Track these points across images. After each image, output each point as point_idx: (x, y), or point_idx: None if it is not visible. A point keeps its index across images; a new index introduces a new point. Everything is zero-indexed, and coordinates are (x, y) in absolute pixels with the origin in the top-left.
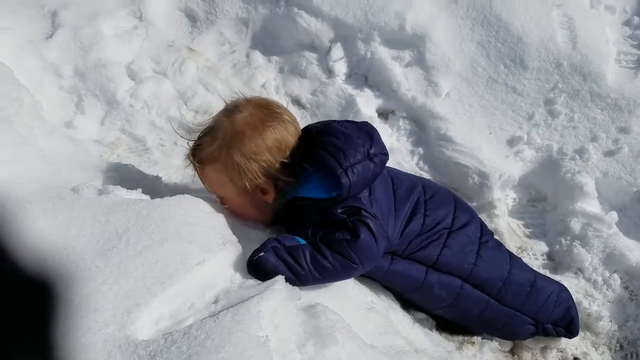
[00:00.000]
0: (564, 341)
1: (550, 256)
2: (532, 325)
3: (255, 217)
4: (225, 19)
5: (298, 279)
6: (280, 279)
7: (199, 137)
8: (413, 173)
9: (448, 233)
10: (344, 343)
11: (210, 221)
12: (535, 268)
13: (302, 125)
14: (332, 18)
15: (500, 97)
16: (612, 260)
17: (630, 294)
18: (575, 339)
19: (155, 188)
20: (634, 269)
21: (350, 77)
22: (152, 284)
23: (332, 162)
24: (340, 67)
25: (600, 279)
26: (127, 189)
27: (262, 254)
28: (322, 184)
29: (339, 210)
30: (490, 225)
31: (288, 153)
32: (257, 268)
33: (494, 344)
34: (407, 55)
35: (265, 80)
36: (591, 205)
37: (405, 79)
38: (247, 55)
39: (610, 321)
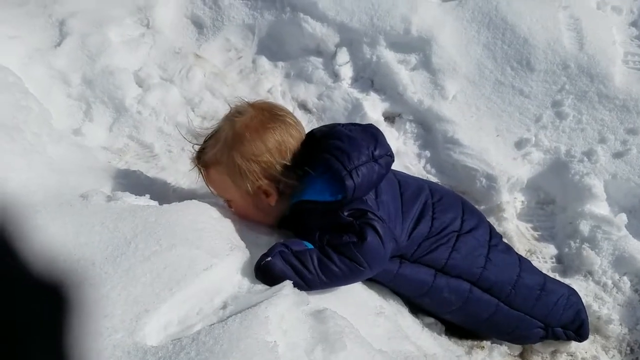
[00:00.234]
0: (573, 345)
1: (559, 259)
2: (542, 328)
3: (260, 219)
4: (232, 26)
5: (306, 284)
6: (288, 284)
7: (204, 141)
8: (420, 176)
9: (457, 236)
10: (353, 348)
11: (218, 227)
12: (544, 271)
13: (309, 129)
14: (338, 23)
15: (507, 99)
16: (621, 262)
17: None
18: (585, 343)
19: (163, 194)
20: None
21: (357, 81)
22: (161, 290)
23: (337, 165)
24: (346, 72)
25: (610, 282)
26: (136, 195)
27: (269, 258)
28: (327, 187)
29: (345, 213)
30: (498, 229)
31: (290, 155)
32: (265, 273)
33: (504, 348)
34: (413, 58)
35: (272, 85)
36: (600, 208)
37: (412, 82)
38: (254, 61)
39: (621, 324)
